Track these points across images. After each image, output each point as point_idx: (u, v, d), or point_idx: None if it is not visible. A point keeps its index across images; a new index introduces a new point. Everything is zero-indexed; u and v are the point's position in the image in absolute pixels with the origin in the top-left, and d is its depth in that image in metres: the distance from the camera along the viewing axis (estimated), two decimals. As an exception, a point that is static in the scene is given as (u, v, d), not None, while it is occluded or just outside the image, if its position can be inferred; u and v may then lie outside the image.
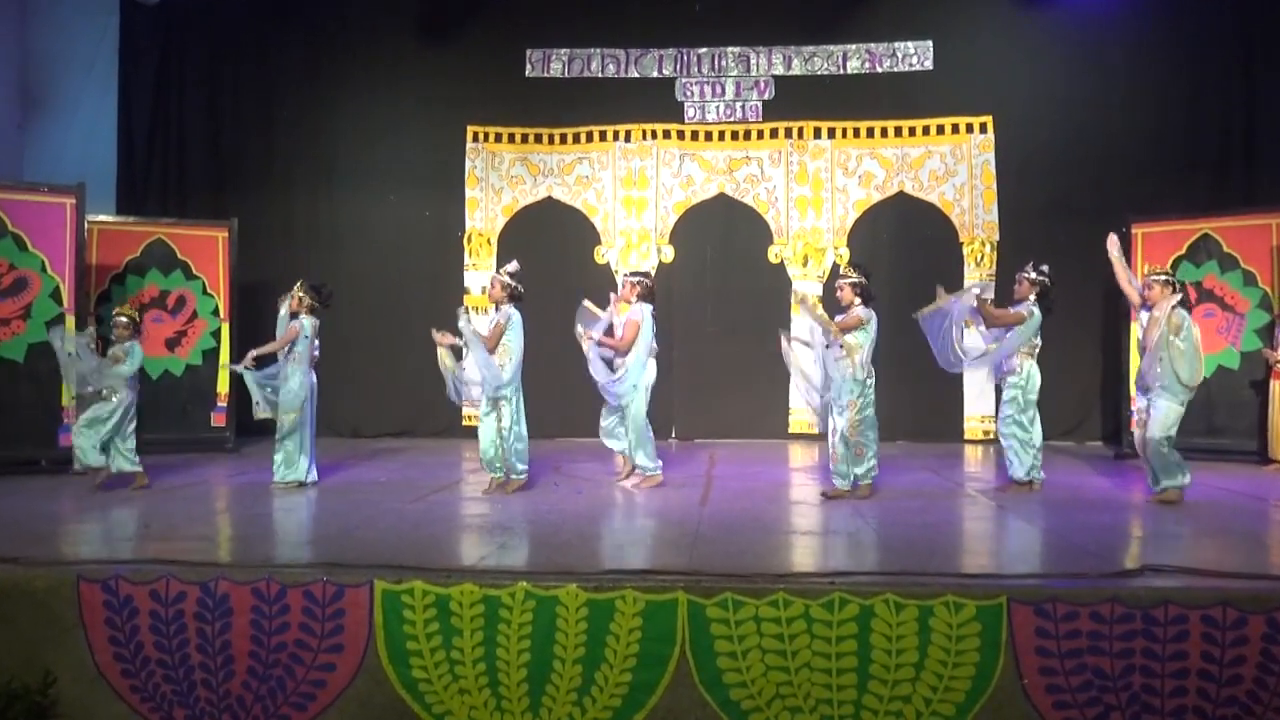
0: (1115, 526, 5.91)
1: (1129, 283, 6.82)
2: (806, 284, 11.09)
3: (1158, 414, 6.47)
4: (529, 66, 11.56)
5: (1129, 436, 9.42)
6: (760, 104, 11.44)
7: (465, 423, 11.02)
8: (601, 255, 11.39)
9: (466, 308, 7.42)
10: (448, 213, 11.62)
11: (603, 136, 11.56)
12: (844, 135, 11.36)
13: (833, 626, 4.12)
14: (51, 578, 4.47)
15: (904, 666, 4.11)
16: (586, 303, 7.62)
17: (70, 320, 8.43)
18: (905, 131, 11.26)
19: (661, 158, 11.53)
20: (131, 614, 4.38)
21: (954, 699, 4.09)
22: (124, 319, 7.44)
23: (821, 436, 10.86)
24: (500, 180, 11.64)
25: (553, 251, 11.28)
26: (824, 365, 6.87)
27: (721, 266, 11.29)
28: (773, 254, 11.23)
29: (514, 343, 6.96)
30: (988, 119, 11.10)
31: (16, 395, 8.21)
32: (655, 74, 11.52)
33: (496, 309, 7.14)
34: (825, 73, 11.39)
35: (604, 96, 11.48)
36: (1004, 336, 7.09)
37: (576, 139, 11.60)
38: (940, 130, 11.21)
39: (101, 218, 9.92)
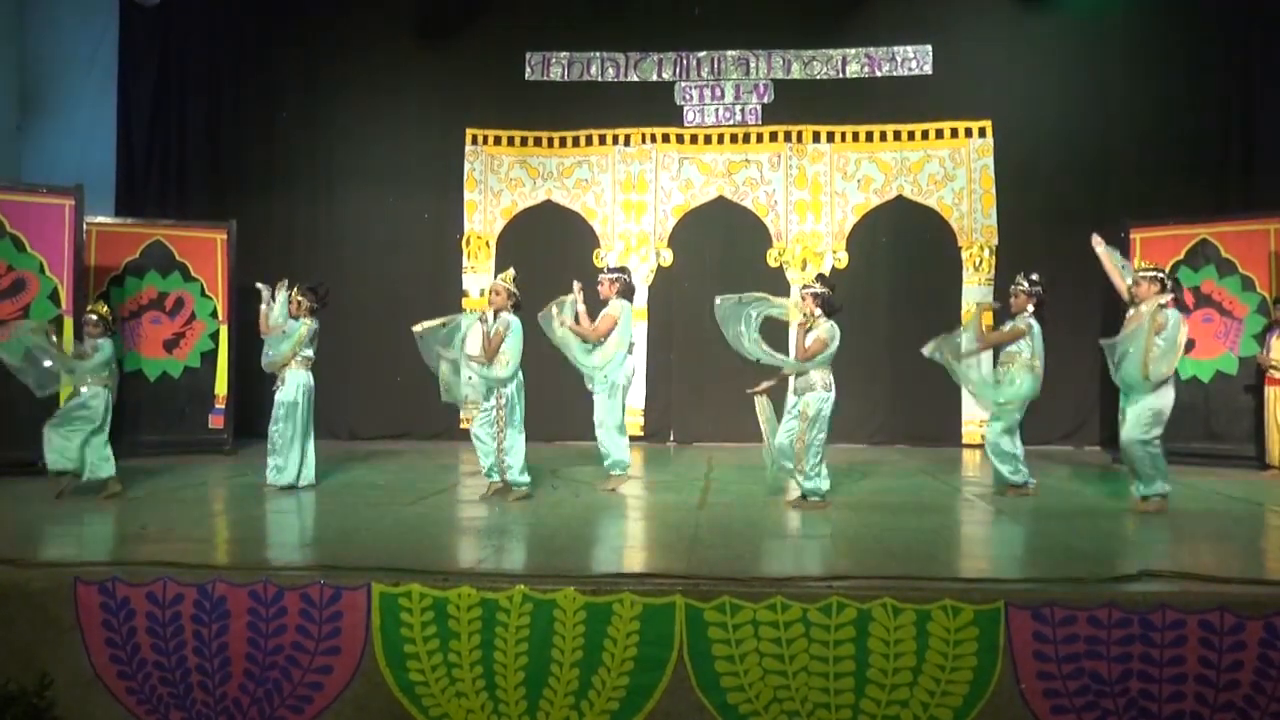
0: (1113, 531, 5.91)
1: (1120, 276, 6.63)
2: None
3: (1133, 414, 6.36)
4: (528, 69, 11.56)
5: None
6: (759, 107, 11.44)
7: (463, 425, 10.99)
8: (600, 258, 11.39)
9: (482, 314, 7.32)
10: (446, 215, 11.62)
11: (602, 140, 11.56)
12: (843, 139, 11.36)
13: (830, 631, 4.12)
14: (48, 579, 4.47)
15: (901, 671, 4.11)
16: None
17: (68, 322, 8.42)
18: (904, 135, 11.27)
19: (660, 161, 11.53)
20: (128, 616, 4.37)
21: (951, 703, 4.09)
22: (94, 316, 7.28)
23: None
24: (499, 183, 11.64)
25: (551, 255, 11.27)
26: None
27: (720, 270, 11.27)
28: (772, 257, 11.23)
29: (513, 350, 6.88)
30: (987, 123, 11.11)
31: (14, 396, 8.15)
32: (655, 78, 11.53)
33: (495, 316, 7.00)
34: (824, 77, 11.40)
35: (603, 100, 11.49)
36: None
37: (576, 142, 11.60)
38: (939, 134, 11.22)
39: (100, 219, 9.91)
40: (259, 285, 7.74)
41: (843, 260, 11.25)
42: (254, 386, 8.92)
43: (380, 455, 9.80)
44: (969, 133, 11.16)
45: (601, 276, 7.70)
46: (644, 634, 4.18)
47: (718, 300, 6.82)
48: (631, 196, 11.53)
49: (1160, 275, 6.44)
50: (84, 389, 7.13)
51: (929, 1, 11.33)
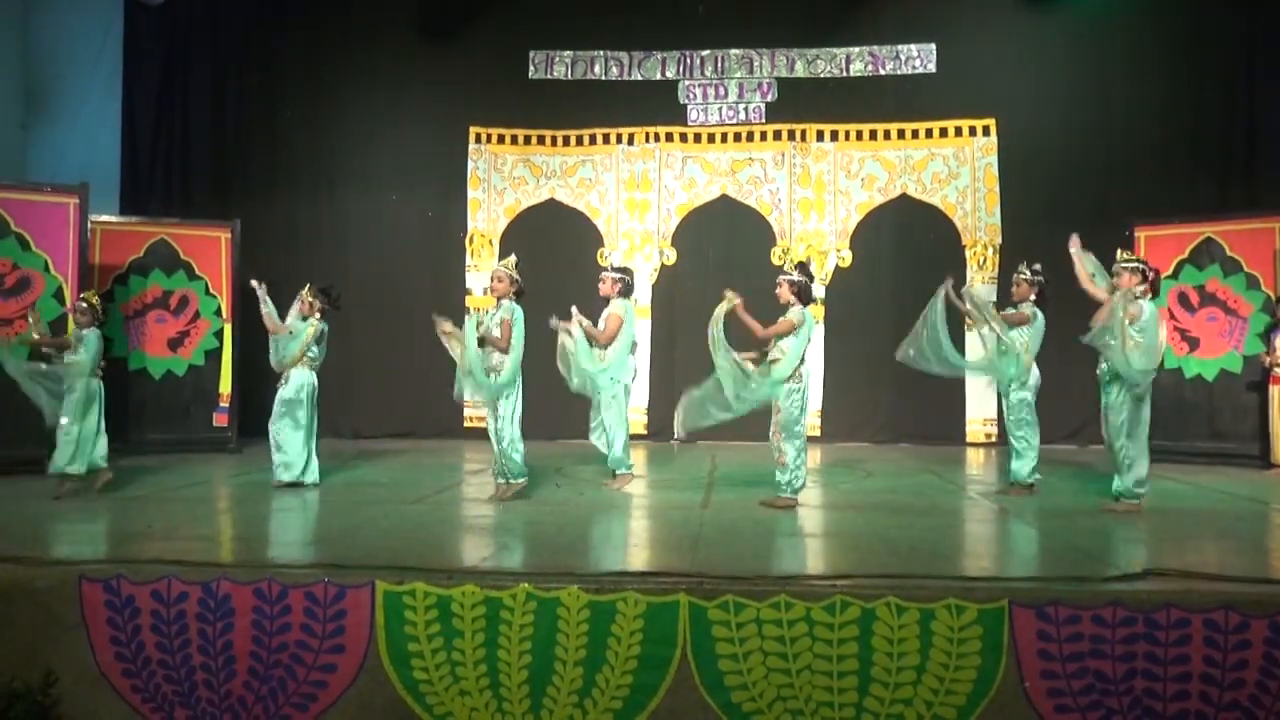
0: (1117, 530, 5.90)
1: (1089, 281, 6.44)
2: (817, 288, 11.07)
3: (1115, 410, 6.29)
4: (532, 68, 11.57)
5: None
6: (763, 106, 11.44)
7: (467, 424, 11.02)
8: (604, 257, 11.39)
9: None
10: (450, 214, 11.64)
11: (605, 139, 11.58)
12: (847, 137, 11.36)
13: (834, 629, 4.12)
14: (53, 577, 4.47)
15: (905, 670, 4.10)
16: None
17: (72, 320, 8.41)
18: (908, 134, 11.27)
19: (664, 160, 11.53)
20: (133, 614, 4.38)
21: (955, 702, 4.08)
22: (84, 304, 7.22)
23: (823, 439, 10.97)
24: (502, 181, 11.65)
25: (555, 253, 11.28)
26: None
27: (724, 269, 11.27)
28: (775, 256, 11.23)
29: (517, 339, 6.74)
30: (990, 122, 11.11)
31: (19, 395, 8.14)
32: (658, 76, 11.53)
33: (498, 304, 6.88)
34: (828, 75, 11.40)
35: (607, 99, 11.49)
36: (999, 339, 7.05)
37: (579, 141, 11.61)
38: (943, 133, 11.21)
39: (104, 218, 9.93)
40: (252, 282, 7.71)
41: (846, 259, 11.26)
42: (258, 385, 8.93)
43: (384, 454, 9.81)
44: (973, 131, 11.16)
45: (603, 275, 7.68)
46: (648, 632, 4.18)
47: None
48: (635, 195, 11.54)
49: (1140, 266, 6.32)
50: (75, 390, 7.06)
51: (932, 0, 11.32)
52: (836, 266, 11.28)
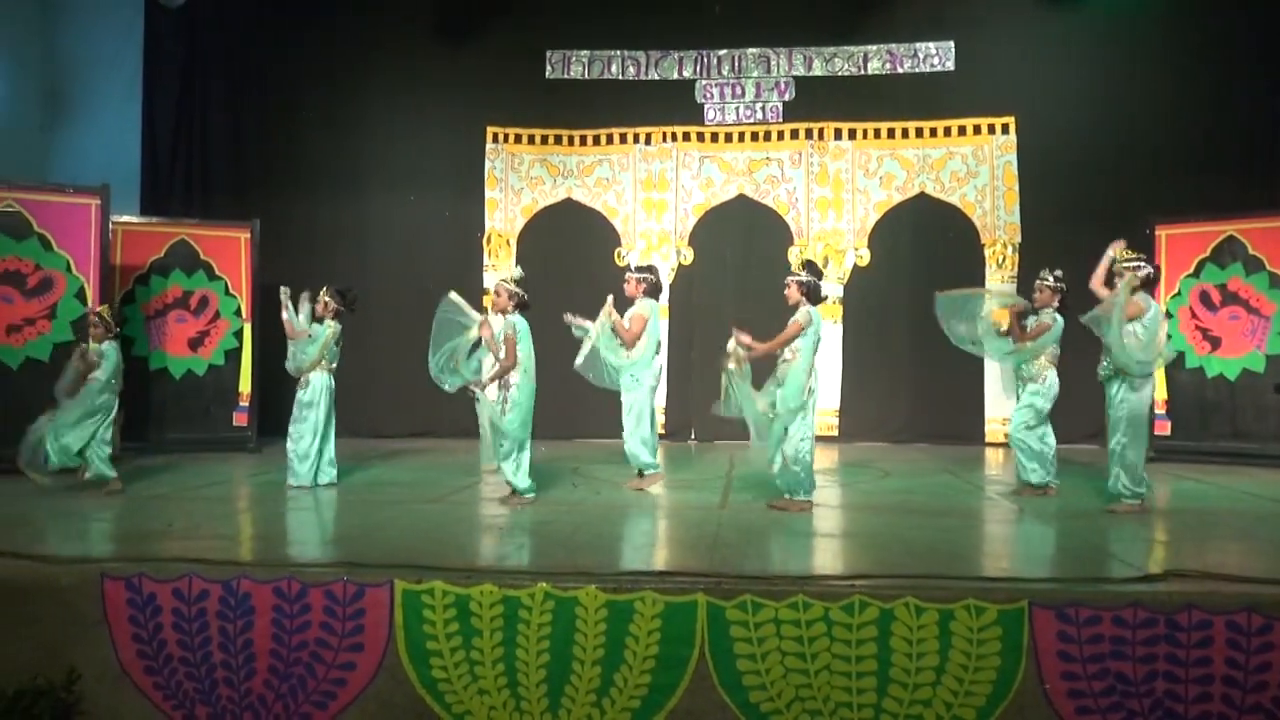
0: (1138, 530, 5.86)
1: (1102, 284, 6.45)
2: (827, 286, 11.03)
3: (1115, 406, 6.32)
4: (549, 68, 11.59)
5: (1153, 441, 9.33)
6: (780, 105, 11.42)
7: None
8: (621, 257, 11.40)
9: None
10: (467, 213, 11.66)
11: (623, 139, 11.58)
12: (865, 136, 11.32)
13: (853, 630, 4.11)
14: (76, 575, 4.51)
15: (924, 670, 4.09)
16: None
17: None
18: (926, 132, 11.22)
19: (681, 159, 11.53)
20: (155, 612, 4.41)
21: (975, 703, 4.07)
22: (96, 318, 7.27)
23: (841, 439, 10.94)
24: (520, 181, 11.67)
25: (572, 253, 11.30)
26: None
27: (741, 268, 11.27)
28: (793, 255, 11.20)
29: (524, 354, 6.64)
30: (1010, 120, 11.05)
31: (41, 394, 8.24)
32: (675, 76, 11.53)
33: (501, 318, 6.77)
34: (846, 73, 11.36)
35: (624, 98, 11.49)
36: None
37: (596, 141, 11.62)
38: (962, 131, 11.16)
39: (125, 218, 10.00)
40: (281, 288, 7.76)
41: (864, 258, 11.22)
42: (277, 385, 8.96)
43: (402, 453, 9.85)
44: (992, 129, 11.10)
45: (628, 275, 7.65)
46: (666, 632, 4.19)
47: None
48: (652, 195, 11.53)
49: (1140, 264, 6.34)
50: (94, 400, 7.15)
51: (951, -3, 11.29)
52: (855, 265, 11.24)
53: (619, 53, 11.53)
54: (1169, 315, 9.40)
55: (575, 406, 10.01)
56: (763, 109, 11.44)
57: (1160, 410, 9.38)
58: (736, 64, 11.48)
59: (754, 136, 11.47)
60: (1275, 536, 5.86)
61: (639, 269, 7.76)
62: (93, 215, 8.70)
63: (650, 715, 4.18)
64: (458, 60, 11.56)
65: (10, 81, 10.93)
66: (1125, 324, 6.22)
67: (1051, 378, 7.05)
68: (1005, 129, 11.06)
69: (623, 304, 7.54)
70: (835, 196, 11.32)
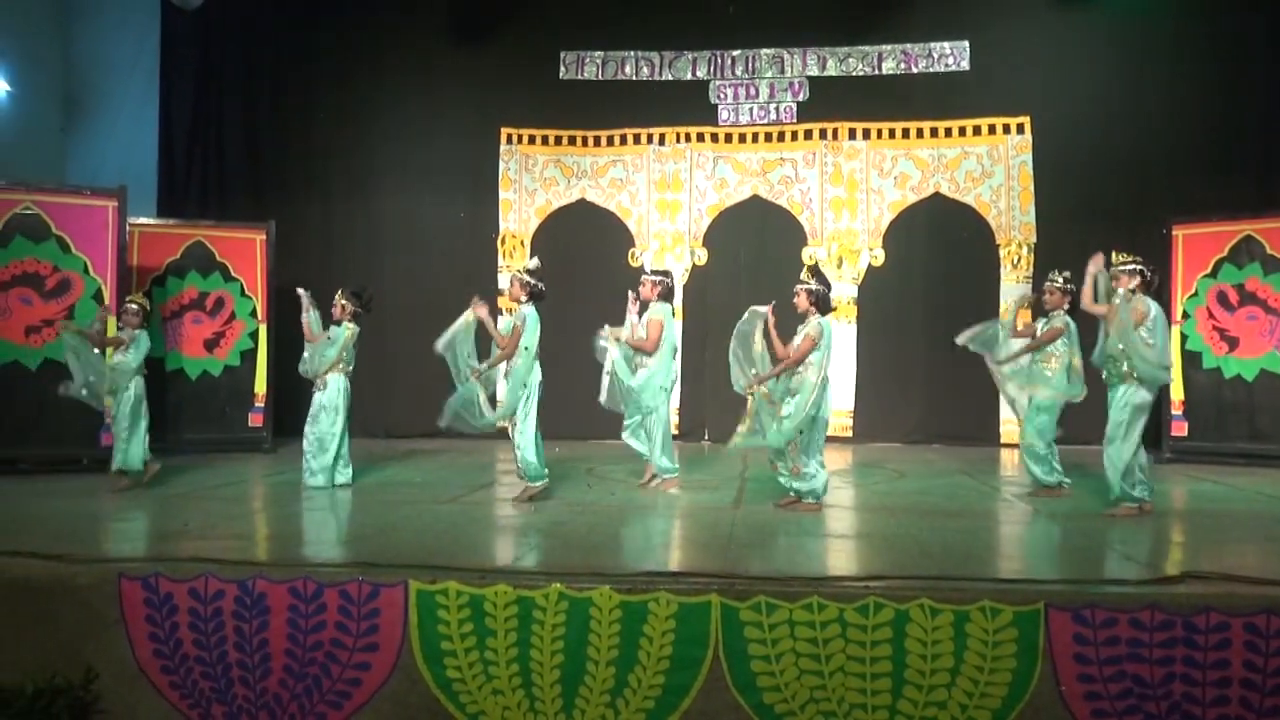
0: (1155, 532, 5.83)
1: (1092, 302, 6.34)
2: (842, 286, 11.04)
3: (1117, 410, 6.23)
4: (563, 69, 11.60)
5: (1170, 442, 9.31)
6: (794, 105, 11.41)
7: (498, 424, 11.06)
8: (635, 258, 11.40)
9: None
10: (481, 214, 11.69)
11: (636, 139, 11.59)
12: (879, 136, 11.30)
13: (867, 631, 4.10)
14: (93, 575, 4.53)
15: (939, 672, 4.07)
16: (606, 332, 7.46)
17: (112, 322, 8.53)
18: (941, 132, 11.19)
19: (695, 160, 11.53)
20: (171, 611, 4.43)
21: (990, 705, 4.05)
22: (134, 306, 7.42)
23: (855, 439, 10.91)
24: (534, 182, 11.69)
25: (586, 254, 11.31)
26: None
27: (755, 269, 11.26)
28: (807, 256, 11.17)
29: (530, 340, 6.66)
30: (1025, 120, 11.00)
31: (58, 397, 8.32)
32: (689, 76, 11.53)
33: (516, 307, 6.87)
34: (860, 74, 11.34)
35: (638, 99, 11.50)
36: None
37: (610, 141, 11.63)
38: (977, 131, 11.12)
39: (142, 220, 10.06)
40: (299, 290, 7.79)
41: (879, 258, 11.20)
42: (293, 385, 9.00)
43: (417, 454, 9.87)
44: (1007, 129, 11.06)
45: (644, 278, 7.59)
46: (680, 633, 4.18)
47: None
48: (666, 195, 11.54)
49: (1139, 268, 6.25)
50: (123, 393, 7.31)
51: (966, -3, 11.25)
52: (869, 265, 11.22)
53: (633, 53, 11.54)
54: (1186, 315, 9.35)
55: (588, 408, 9.99)
56: (777, 109, 11.42)
57: (1177, 411, 9.33)
58: (750, 64, 11.47)
59: (768, 137, 11.46)
60: (1294, 538, 5.81)
61: (655, 272, 7.74)
62: (110, 217, 8.76)
63: (664, 716, 4.17)
64: (472, 62, 11.59)
65: (28, 85, 11.02)
66: (1135, 329, 6.10)
67: (1058, 378, 6.97)
68: (1020, 129, 11.02)
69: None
70: (849, 197, 11.30)
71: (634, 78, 11.57)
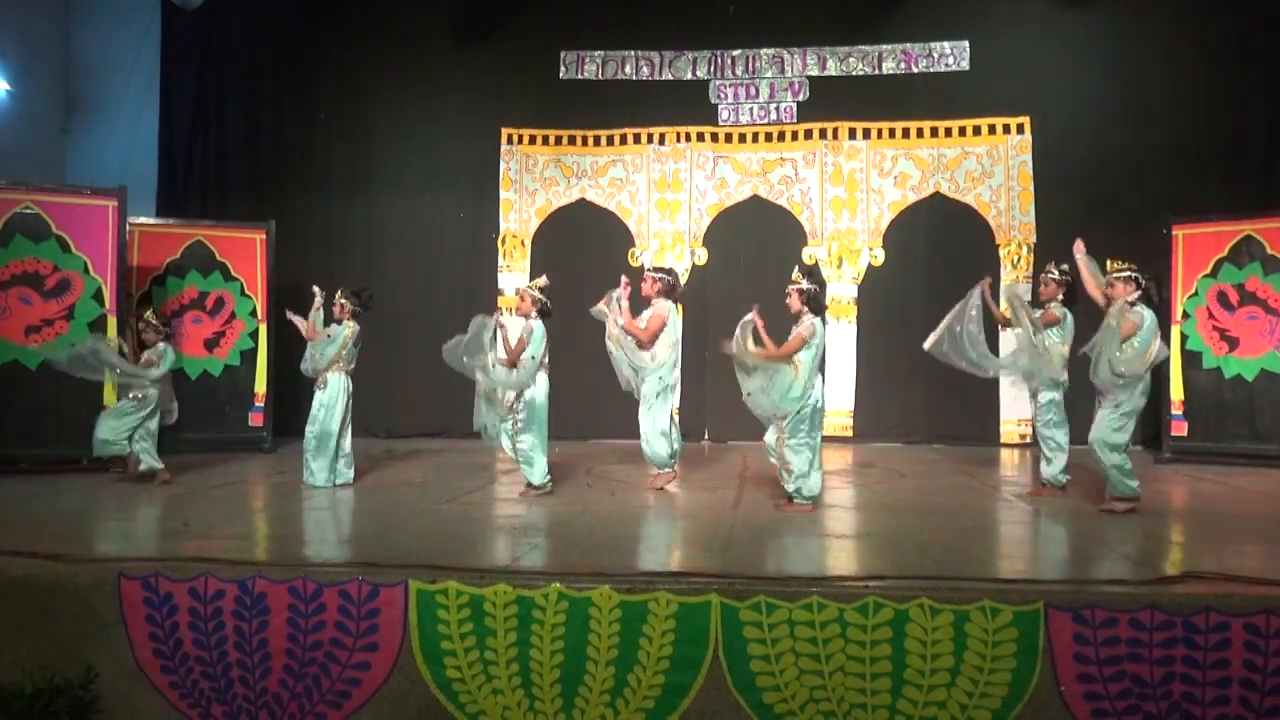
0: (1155, 532, 5.82)
1: (1095, 287, 6.44)
2: (841, 286, 11.05)
3: (1102, 415, 6.22)
4: (563, 68, 11.60)
5: (1170, 442, 9.31)
6: (795, 105, 11.41)
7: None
8: (635, 257, 11.40)
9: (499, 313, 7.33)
10: (482, 214, 11.70)
11: (636, 139, 11.59)
12: (879, 136, 11.30)
13: (867, 631, 4.10)
14: (93, 574, 4.53)
15: (939, 672, 4.07)
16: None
17: (112, 322, 8.55)
18: (941, 132, 11.19)
19: (695, 160, 11.53)
20: (171, 611, 4.43)
21: (990, 705, 4.05)
22: (155, 323, 7.78)
23: (855, 439, 10.91)
24: (534, 182, 11.69)
25: (586, 254, 11.31)
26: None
27: (755, 269, 11.25)
28: (807, 256, 11.17)
29: (536, 351, 6.90)
30: (1025, 119, 11.01)
31: (59, 395, 8.33)
32: (689, 76, 11.53)
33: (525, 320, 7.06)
34: (860, 73, 11.34)
35: (638, 99, 11.50)
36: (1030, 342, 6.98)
37: (610, 141, 11.62)
38: (977, 131, 11.13)
39: (142, 220, 10.07)
40: (315, 289, 7.79)
41: (879, 258, 11.20)
42: (293, 385, 9.02)
43: (417, 454, 9.88)
44: (1007, 129, 11.06)
45: (646, 274, 7.61)
46: (679, 633, 4.18)
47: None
48: (666, 195, 11.54)
49: (1134, 275, 6.23)
50: (143, 394, 7.57)
51: (966, -3, 11.26)
52: (869, 265, 11.22)
53: (633, 53, 11.54)
54: (1186, 315, 9.35)
55: (588, 408, 10.02)
56: (777, 109, 11.42)
57: (1177, 411, 9.32)
58: (750, 64, 11.47)
59: (768, 137, 11.46)
60: (1294, 538, 5.81)
61: (657, 269, 7.73)
62: (110, 216, 8.75)
63: (664, 716, 4.17)
64: (472, 62, 11.60)
65: (28, 85, 11.02)
66: (1120, 341, 6.10)
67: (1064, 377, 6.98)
68: (1020, 129, 11.02)
69: (638, 305, 7.52)
70: (849, 196, 11.30)
71: (634, 78, 11.57)
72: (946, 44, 11.16)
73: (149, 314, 8.01)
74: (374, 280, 9.37)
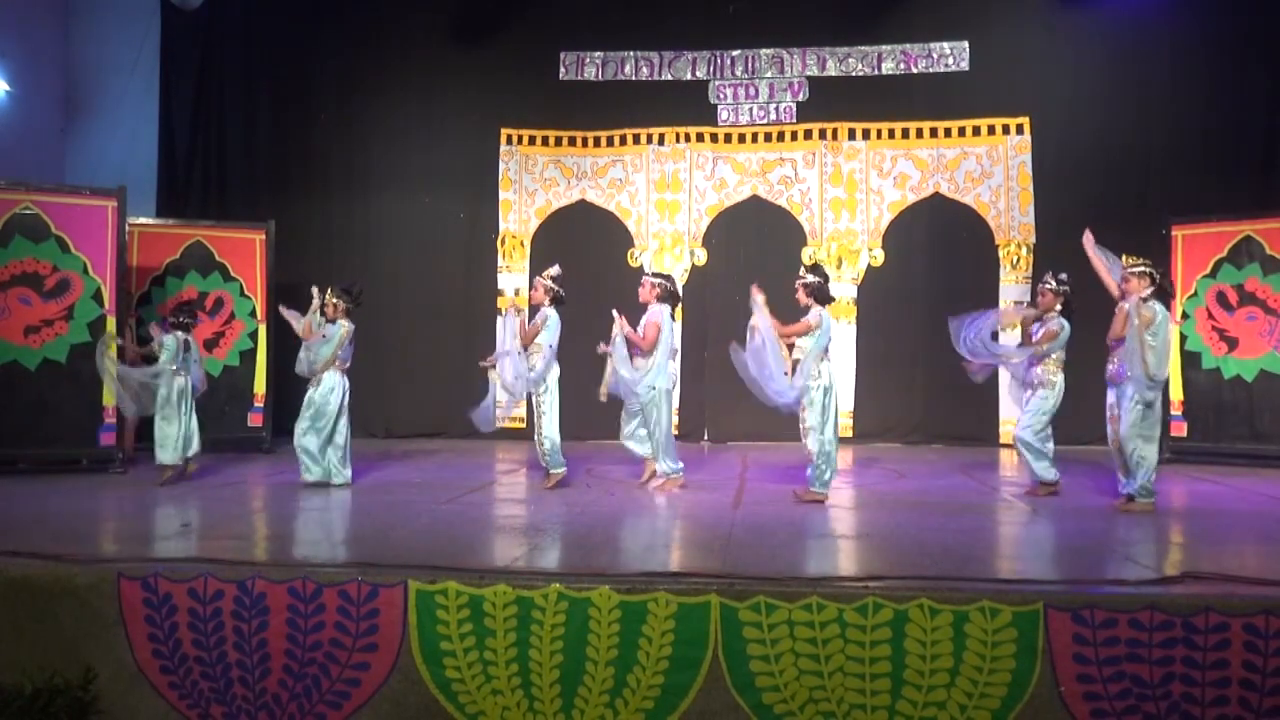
0: (1155, 532, 5.83)
1: (1109, 276, 6.59)
2: (841, 286, 11.05)
3: (1128, 412, 6.34)
4: (562, 69, 11.60)
5: (1170, 442, 9.30)
6: (794, 105, 11.41)
7: (498, 424, 11.08)
8: (634, 258, 11.40)
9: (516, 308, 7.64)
10: (481, 215, 11.69)
11: (636, 139, 11.58)
12: (879, 136, 11.30)
13: (867, 631, 4.10)
14: (92, 575, 4.53)
15: (939, 672, 4.08)
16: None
17: (111, 322, 8.55)
18: (941, 133, 11.19)
19: (695, 161, 11.52)
20: (170, 611, 4.43)
21: (989, 705, 4.05)
22: (163, 318, 8.06)
23: (855, 439, 10.91)
24: (533, 182, 11.68)
25: (585, 254, 11.29)
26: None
27: (755, 269, 11.20)
28: (806, 256, 11.17)
29: (547, 341, 7.26)
30: (1025, 120, 11.01)
31: (59, 395, 8.34)
32: (689, 76, 11.52)
33: (537, 310, 7.43)
34: (860, 74, 11.34)
35: (637, 99, 11.50)
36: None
37: (610, 142, 11.62)
38: (976, 131, 11.12)
39: (142, 220, 10.07)
40: (314, 289, 7.80)
41: (879, 258, 11.20)
42: (292, 385, 8.99)
43: (416, 453, 9.87)
44: (1006, 129, 11.06)
45: (644, 279, 7.64)
46: (679, 633, 4.18)
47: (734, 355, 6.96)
48: (665, 196, 11.53)
49: (1148, 270, 6.36)
50: (163, 389, 7.77)
51: (966, -3, 11.25)
52: (869, 266, 11.22)
53: (632, 54, 11.54)
54: (1185, 316, 9.35)
55: (587, 408, 9.98)
56: (776, 109, 11.42)
57: (1177, 411, 9.33)
58: (750, 64, 11.47)
59: (767, 137, 11.46)
60: (1293, 539, 5.81)
61: (655, 274, 7.75)
62: (109, 217, 8.74)
63: (663, 716, 4.17)
64: (472, 62, 11.60)
65: (28, 85, 11.01)
66: (1143, 333, 6.22)
67: (1060, 382, 7.01)
68: (1020, 129, 11.02)
69: (632, 307, 7.54)
70: (849, 197, 11.30)
71: (634, 78, 11.57)
72: (946, 44, 11.16)
73: (172, 315, 8.22)
74: (373, 280, 9.38)
